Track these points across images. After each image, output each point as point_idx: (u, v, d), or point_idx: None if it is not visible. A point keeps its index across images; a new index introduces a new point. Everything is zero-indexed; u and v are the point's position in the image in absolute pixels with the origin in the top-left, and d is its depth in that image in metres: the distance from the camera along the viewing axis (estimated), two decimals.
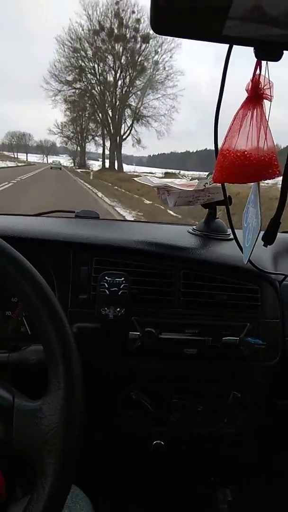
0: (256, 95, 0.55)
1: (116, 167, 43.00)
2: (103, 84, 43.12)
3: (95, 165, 67.65)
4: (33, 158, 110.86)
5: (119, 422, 0.87)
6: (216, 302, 0.85)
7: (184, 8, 0.43)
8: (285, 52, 0.50)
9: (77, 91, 44.88)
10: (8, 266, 0.50)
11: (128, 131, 44.96)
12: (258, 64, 0.53)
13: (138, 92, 42.66)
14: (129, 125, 44.79)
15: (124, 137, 45.03)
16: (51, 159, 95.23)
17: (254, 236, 0.66)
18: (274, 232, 0.65)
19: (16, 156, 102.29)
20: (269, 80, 0.55)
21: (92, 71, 42.70)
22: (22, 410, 0.47)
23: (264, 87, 0.55)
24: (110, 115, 44.37)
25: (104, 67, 42.20)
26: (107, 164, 48.24)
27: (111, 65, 42.00)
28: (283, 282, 0.88)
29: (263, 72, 0.54)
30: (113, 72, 42.43)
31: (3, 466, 0.67)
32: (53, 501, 0.44)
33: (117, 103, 43.69)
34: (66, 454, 0.45)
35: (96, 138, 57.67)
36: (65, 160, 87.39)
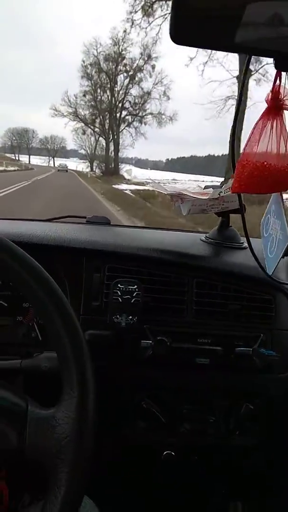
0: (276, 105, 0.55)
1: None
2: None
3: (122, 170, 41.19)
4: (36, 160, 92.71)
5: (130, 432, 0.86)
6: (229, 311, 0.84)
7: (204, 18, 0.43)
8: None
9: None
10: (23, 272, 0.50)
11: None
12: (278, 75, 0.53)
13: None
14: None
15: None
16: (58, 162, 79.37)
17: (280, 248, 0.65)
18: None
19: (17, 158, 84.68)
20: None
21: None
22: (35, 417, 0.47)
23: (284, 98, 0.54)
24: None
25: None
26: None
27: None
28: None
29: (283, 83, 0.53)
30: None
31: (14, 473, 0.67)
32: (66, 511, 0.44)
33: None
34: (80, 464, 0.45)
35: (132, 125, 34.51)
36: (77, 164, 70.02)
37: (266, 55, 0.49)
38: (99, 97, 39.09)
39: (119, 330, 0.77)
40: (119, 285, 0.76)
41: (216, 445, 0.89)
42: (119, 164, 39.64)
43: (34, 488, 0.84)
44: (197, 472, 0.95)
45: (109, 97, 38.41)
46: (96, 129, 42.07)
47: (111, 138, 40.36)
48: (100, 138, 43.24)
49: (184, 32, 0.45)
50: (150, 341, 0.79)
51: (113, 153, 39.79)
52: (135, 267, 0.84)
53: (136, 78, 36.35)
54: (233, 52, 0.49)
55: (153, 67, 34.45)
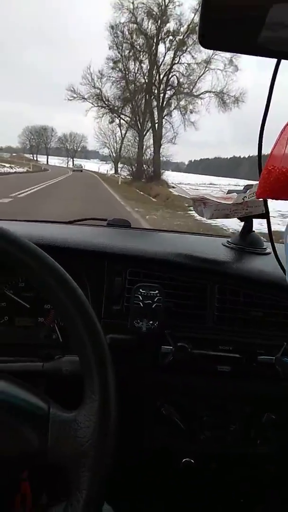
0: None
1: None
2: None
3: (170, 177, 29.88)
4: (55, 161, 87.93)
5: (149, 438, 0.86)
6: (251, 319, 0.82)
7: (233, 22, 0.42)
8: None
9: None
10: (46, 275, 0.50)
11: None
12: None
13: None
14: None
15: None
16: (77, 163, 76.44)
17: None
18: None
19: (35, 158, 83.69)
20: None
21: None
22: (57, 420, 0.47)
23: None
24: None
25: None
26: None
27: None
28: None
29: None
30: None
31: (35, 475, 0.67)
32: None
33: None
34: (101, 468, 0.45)
35: (179, 109, 24.31)
36: (99, 165, 63.96)
37: None
38: (133, 72, 26.59)
39: (140, 335, 0.76)
40: (140, 290, 0.76)
41: (237, 453, 0.87)
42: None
43: (52, 489, 0.85)
44: (216, 479, 0.93)
45: (147, 72, 25.87)
46: (126, 118, 29.41)
47: (146, 129, 27.46)
48: (128, 133, 30.87)
49: (213, 35, 0.44)
50: (171, 347, 0.78)
51: (148, 150, 27.00)
52: (156, 272, 0.83)
53: (187, 44, 24.46)
54: (263, 56, 0.48)
55: None
